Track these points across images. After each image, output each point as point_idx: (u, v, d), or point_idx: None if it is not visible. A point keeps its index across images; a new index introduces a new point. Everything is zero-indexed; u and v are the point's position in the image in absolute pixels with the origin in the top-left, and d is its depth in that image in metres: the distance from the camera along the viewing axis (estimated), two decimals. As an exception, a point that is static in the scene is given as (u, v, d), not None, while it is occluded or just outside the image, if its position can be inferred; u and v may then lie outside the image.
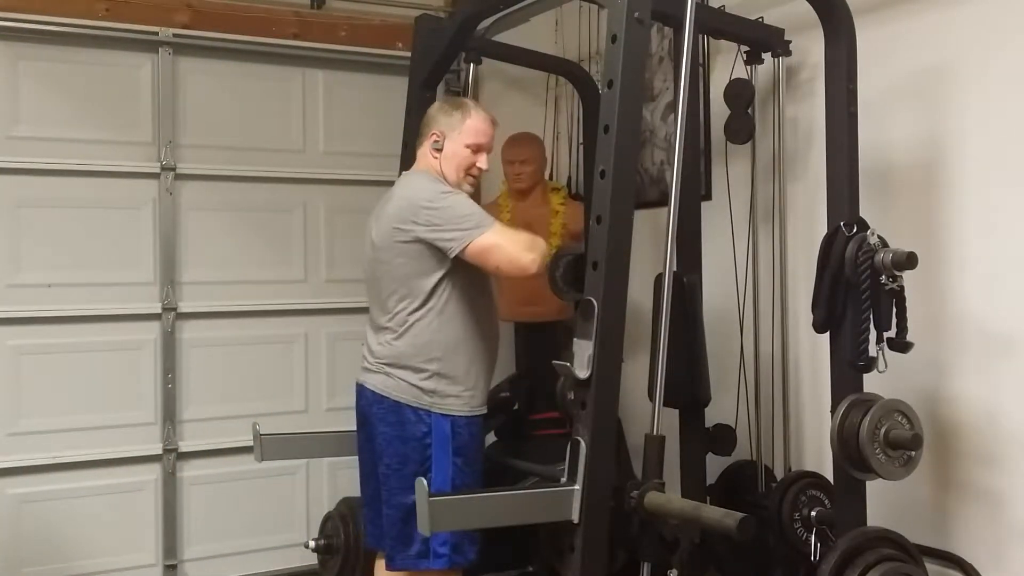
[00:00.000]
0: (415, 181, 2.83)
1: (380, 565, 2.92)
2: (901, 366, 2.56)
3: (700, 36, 3.31)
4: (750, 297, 3.29)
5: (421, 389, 2.71)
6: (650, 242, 3.44)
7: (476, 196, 4.43)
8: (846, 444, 2.47)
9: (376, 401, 2.77)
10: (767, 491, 3.06)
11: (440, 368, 2.71)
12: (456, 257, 2.64)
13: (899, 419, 2.49)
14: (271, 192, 4.20)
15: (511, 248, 2.61)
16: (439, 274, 2.68)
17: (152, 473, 3.97)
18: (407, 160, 3.51)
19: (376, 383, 2.78)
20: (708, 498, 3.07)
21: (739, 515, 2.16)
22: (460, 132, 2.81)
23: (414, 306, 2.71)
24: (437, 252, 2.66)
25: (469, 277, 2.73)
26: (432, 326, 2.70)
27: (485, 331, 2.79)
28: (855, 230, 2.54)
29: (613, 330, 2.38)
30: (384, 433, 2.75)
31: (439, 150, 2.81)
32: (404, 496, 2.68)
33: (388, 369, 2.76)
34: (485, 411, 2.83)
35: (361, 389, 2.85)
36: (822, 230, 2.64)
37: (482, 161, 2.84)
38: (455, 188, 2.79)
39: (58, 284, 3.81)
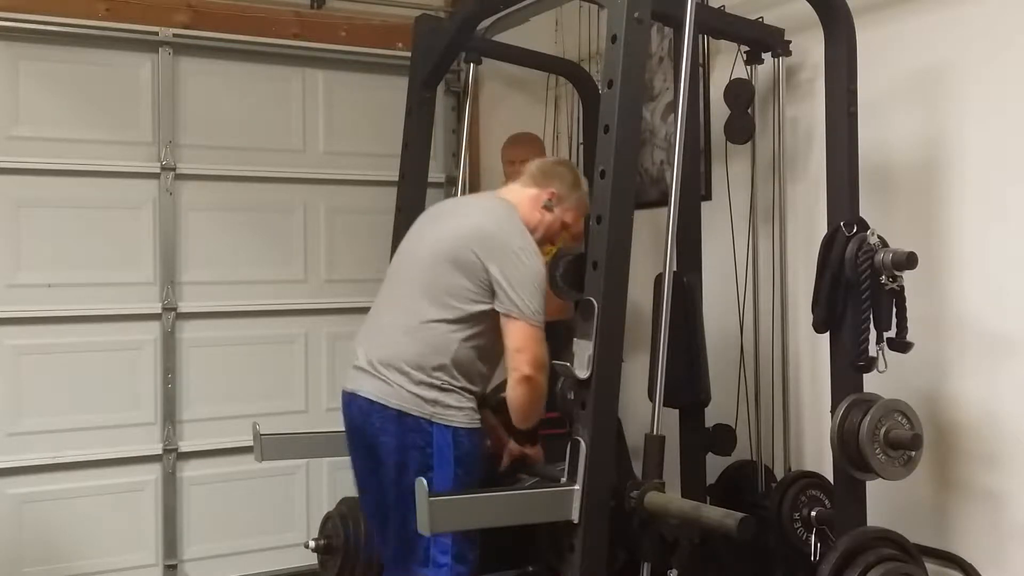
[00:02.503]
0: (509, 216, 2.68)
1: None
2: (901, 366, 2.56)
3: (700, 36, 3.30)
4: (750, 297, 3.29)
5: (422, 398, 2.59)
6: (650, 242, 3.44)
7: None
8: (846, 444, 2.47)
9: (374, 411, 2.65)
10: (767, 491, 3.06)
11: (443, 382, 2.60)
12: None
13: (899, 419, 2.49)
14: (271, 192, 4.20)
15: (533, 354, 2.54)
16: (488, 305, 2.59)
17: (152, 473, 3.97)
18: (408, 160, 3.52)
19: (373, 390, 2.66)
20: (708, 498, 3.07)
21: (739, 515, 2.16)
22: (570, 208, 2.75)
23: (447, 317, 2.60)
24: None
25: None
26: (454, 341, 2.59)
27: (496, 357, 2.70)
28: (855, 230, 2.54)
29: (613, 330, 2.38)
30: (385, 443, 2.64)
31: (548, 209, 2.73)
32: (405, 505, 2.59)
33: (386, 373, 2.64)
34: (479, 425, 2.72)
35: (352, 398, 2.72)
36: (822, 230, 2.64)
37: (558, 240, 2.84)
38: None
39: (58, 284, 3.81)
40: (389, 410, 2.64)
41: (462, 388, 2.63)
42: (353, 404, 2.73)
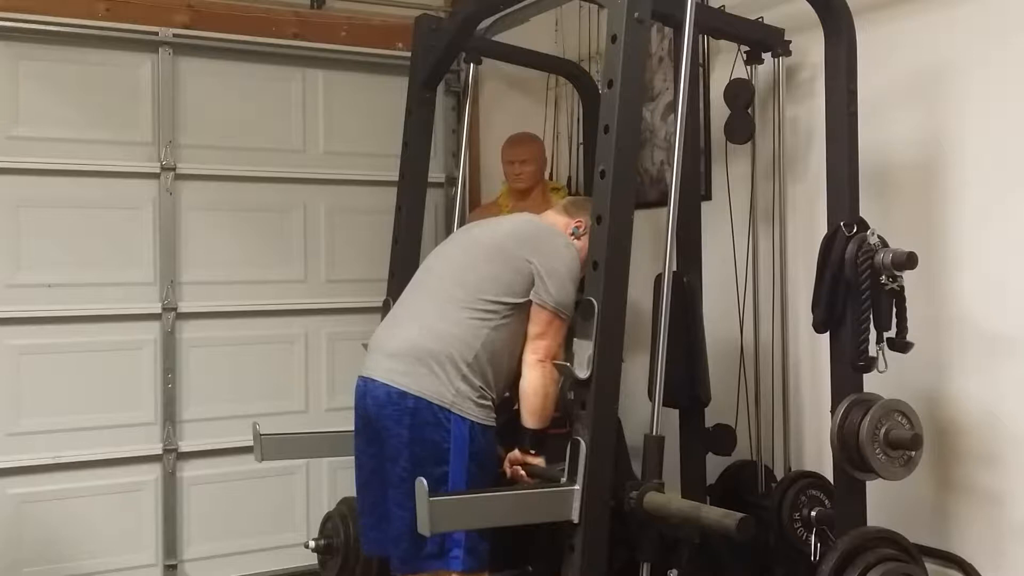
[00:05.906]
0: (548, 225, 2.85)
1: None
2: (901, 366, 2.56)
3: (700, 36, 3.31)
4: (750, 297, 3.29)
5: (444, 386, 2.61)
6: (650, 242, 3.44)
7: (476, 198, 4.48)
8: (846, 444, 2.48)
9: (390, 402, 2.65)
10: (767, 491, 3.06)
11: (465, 374, 2.63)
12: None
13: (899, 419, 2.49)
14: (271, 192, 4.20)
15: (552, 343, 2.68)
16: (521, 299, 2.69)
17: (152, 473, 3.97)
18: (408, 160, 3.52)
19: (392, 376, 2.66)
20: (708, 498, 3.07)
21: (739, 515, 2.16)
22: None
23: (476, 307, 2.67)
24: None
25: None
26: (481, 334, 2.65)
27: (517, 359, 2.73)
28: (855, 230, 2.54)
29: (613, 330, 2.38)
30: (400, 435, 2.63)
31: (576, 237, 2.81)
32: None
33: (408, 361, 2.65)
34: (494, 424, 2.74)
35: (369, 386, 2.71)
36: (822, 230, 2.64)
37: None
38: None
39: (58, 284, 3.81)
40: (407, 399, 2.64)
41: (481, 386, 2.66)
42: (368, 395, 2.74)
